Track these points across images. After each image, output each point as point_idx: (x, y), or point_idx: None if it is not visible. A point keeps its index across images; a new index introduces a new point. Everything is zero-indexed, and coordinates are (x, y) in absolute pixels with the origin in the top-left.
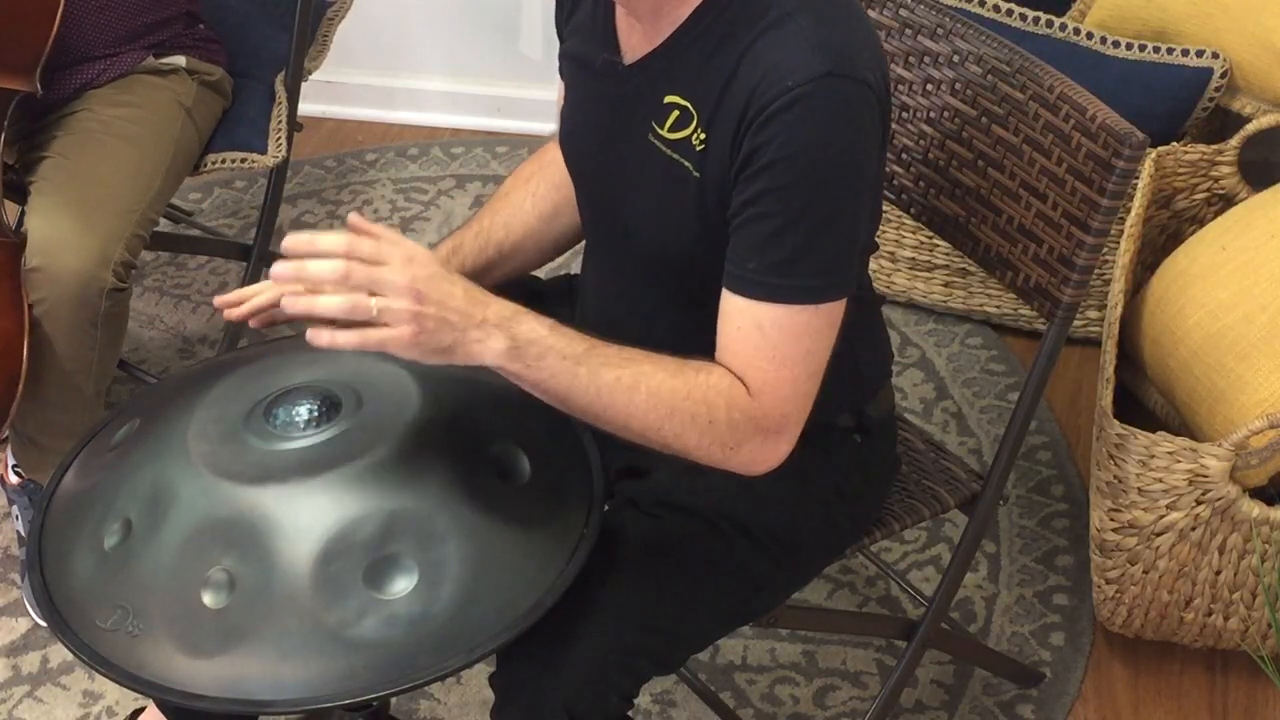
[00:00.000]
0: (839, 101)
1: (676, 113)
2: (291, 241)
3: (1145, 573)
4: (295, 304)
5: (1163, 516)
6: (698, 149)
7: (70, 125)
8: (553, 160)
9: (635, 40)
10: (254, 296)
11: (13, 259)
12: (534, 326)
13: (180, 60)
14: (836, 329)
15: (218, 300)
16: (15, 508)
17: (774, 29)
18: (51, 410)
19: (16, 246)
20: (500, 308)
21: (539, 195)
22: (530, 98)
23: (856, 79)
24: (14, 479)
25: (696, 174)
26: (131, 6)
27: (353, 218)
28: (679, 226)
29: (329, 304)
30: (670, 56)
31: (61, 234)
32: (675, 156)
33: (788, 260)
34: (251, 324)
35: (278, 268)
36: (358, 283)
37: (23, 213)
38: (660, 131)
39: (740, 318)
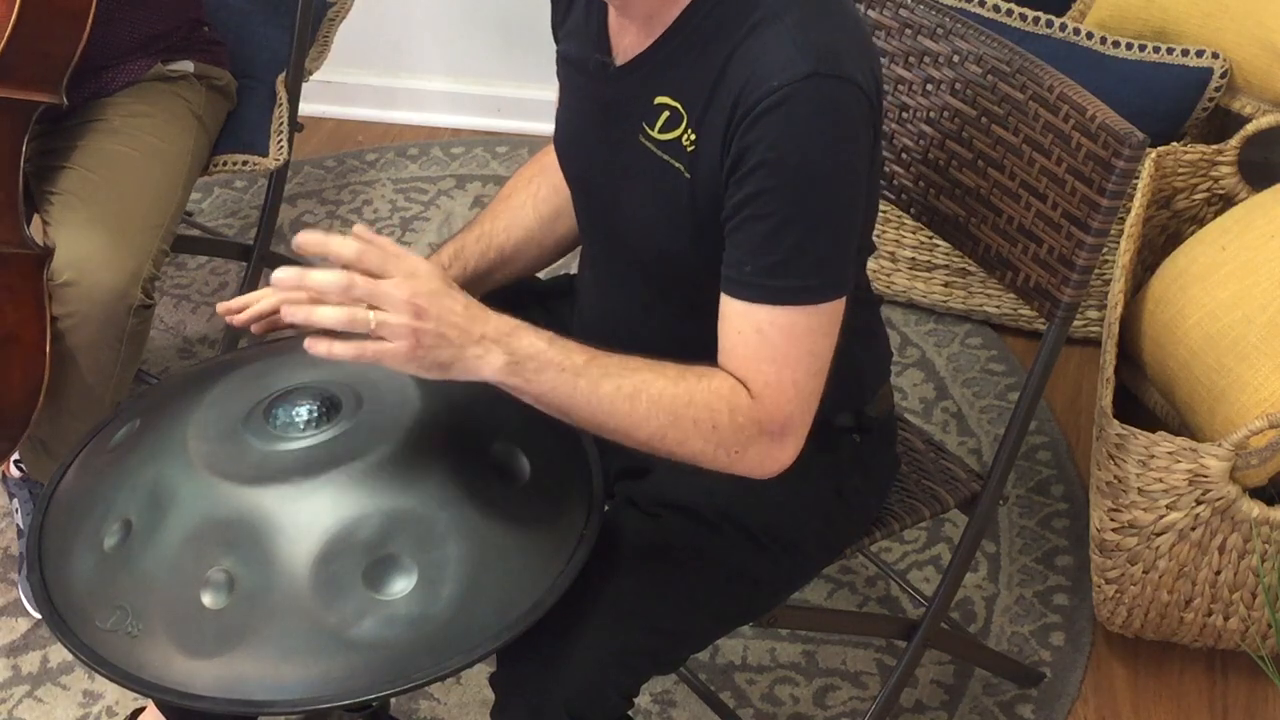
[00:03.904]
0: (825, 101)
1: (667, 114)
2: (304, 238)
3: (1145, 573)
4: (295, 313)
5: (1163, 516)
6: (688, 150)
7: (87, 135)
8: (554, 163)
9: (627, 42)
10: (256, 302)
11: (37, 270)
12: (533, 341)
13: (189, 66)
14: (837, 327)
15: (220, 307)
16: (15, 501)
17: (760, 29)
18: (69, 420)
19: (41, 258)
20: (499, 323)
21: (540, 198)
22: (530, 98)
23: (842, 78)
24: (15, 472)
25: (688, 175)
26: (141, 17)
27: (358, 228)
28: (672, 228)
29: (327, 315)
30: (660, 57)
31: (94, 250)
32: (666, 158)
33: (782, 262)
34: (253, 329)
35: (279, 274)
36: (359, 295)
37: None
38: (651, 133)
39: (739, 321)
